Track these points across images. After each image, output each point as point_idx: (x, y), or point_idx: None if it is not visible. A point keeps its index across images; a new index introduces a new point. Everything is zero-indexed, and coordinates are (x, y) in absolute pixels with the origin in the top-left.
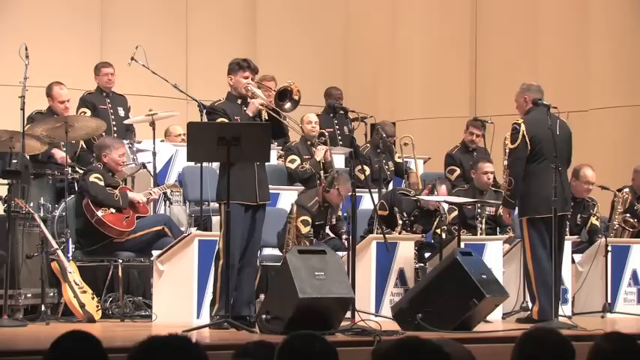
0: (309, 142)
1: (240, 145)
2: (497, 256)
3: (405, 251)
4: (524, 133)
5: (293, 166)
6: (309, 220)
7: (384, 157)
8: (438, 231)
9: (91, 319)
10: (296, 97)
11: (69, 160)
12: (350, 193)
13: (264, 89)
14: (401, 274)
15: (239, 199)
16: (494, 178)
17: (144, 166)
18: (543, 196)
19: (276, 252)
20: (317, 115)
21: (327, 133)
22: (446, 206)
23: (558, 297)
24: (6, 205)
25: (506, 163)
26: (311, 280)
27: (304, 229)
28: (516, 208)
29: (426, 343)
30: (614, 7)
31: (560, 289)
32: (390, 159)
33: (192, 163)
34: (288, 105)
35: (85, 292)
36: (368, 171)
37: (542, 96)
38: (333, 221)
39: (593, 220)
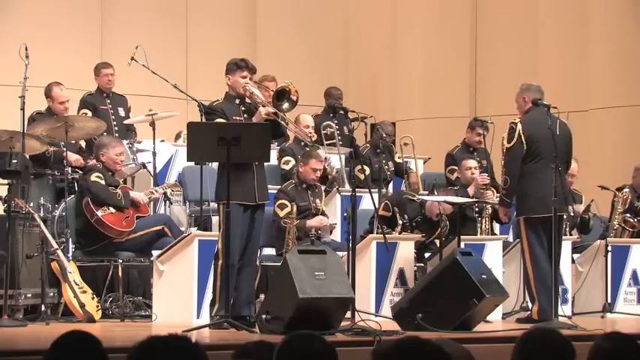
0: (302, 143)
1: (240, 145)
2: (497, 256)
3: (405, 251)
4: (520, 132)
5: (288, 167)
6: (287, 202)
7: (384, 157)
8: (436, 241)
9: (91, 319)
10: (294, 98)
11: (82, 161)
12: (320, 167)
13: (263, 89)
14: (401, 274)
15: (238, 199)
16: (493, 177)
17: (144, 166)
18: (539, 196)
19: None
20: (317, 115)
21: (333, 125)
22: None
23: (557, 297)
24: (6, 205)
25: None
26: (311, 280)
27: (281, 213)
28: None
29: (426, 343)
30: (613, 8)
31: (559, 289)
32: (389, 159)
33: (192, 163)
34: (285, 105)
35: (85, 292)
36: (368, 171)
37: (542, 96)
38: (319, 206)
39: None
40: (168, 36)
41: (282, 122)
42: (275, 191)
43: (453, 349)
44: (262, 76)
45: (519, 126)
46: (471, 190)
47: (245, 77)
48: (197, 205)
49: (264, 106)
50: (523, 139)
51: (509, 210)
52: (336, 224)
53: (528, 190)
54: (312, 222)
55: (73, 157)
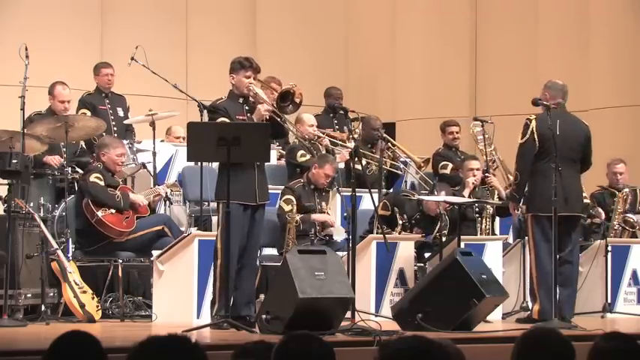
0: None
1: (241, 145)
2: (497, 256)
3: (405, 251)
4: (534, 130)
5: (305, 159)
6: (292, 198)
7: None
8: (439, 235)
9: (91, 319)
10: (297, 100)
11: (62, 160)
12: (336, 175)
13: (267, 89)
14: (401, 274)
15: (238, 199)
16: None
17: (144, 166)
18: (549, 196)
19: (276, 251)
20: (317, 115)
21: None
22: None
23: (556, 297)
24: (6, 205)
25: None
26: (311, 280)
27: (286, 207)
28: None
29: (434, 343)
30: (614, 8)
31: (557, 289)
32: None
33: (192, 163)
34: (289, 107)
35: (85, 292)
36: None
37: (563, 96)
38: (324, 208)
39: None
40: (168, 36)
41: (285, 123)
42: (277, 191)
43: (452, 348)
44: (268, 77)
45: (534, 123)
46: (466, 192)
47: (249, 77)
48: (197, 205)
49: (271, 111)
50: (535, 137)
51: (517, 205)
52: (334, 222)
53: (538, 189)
54: (317, 216)
55: (54, 161)
